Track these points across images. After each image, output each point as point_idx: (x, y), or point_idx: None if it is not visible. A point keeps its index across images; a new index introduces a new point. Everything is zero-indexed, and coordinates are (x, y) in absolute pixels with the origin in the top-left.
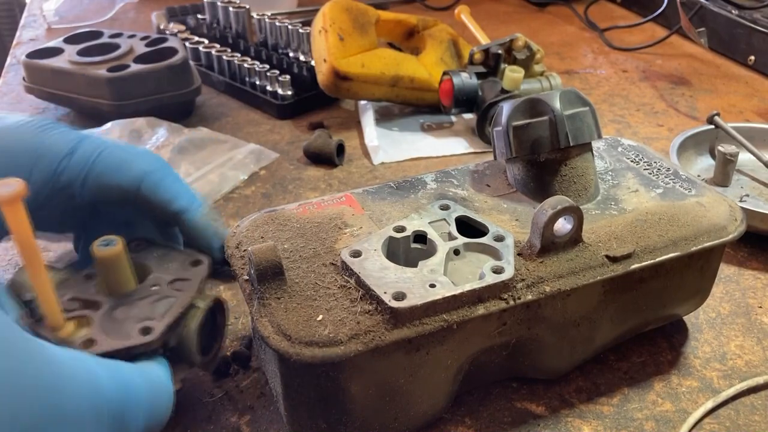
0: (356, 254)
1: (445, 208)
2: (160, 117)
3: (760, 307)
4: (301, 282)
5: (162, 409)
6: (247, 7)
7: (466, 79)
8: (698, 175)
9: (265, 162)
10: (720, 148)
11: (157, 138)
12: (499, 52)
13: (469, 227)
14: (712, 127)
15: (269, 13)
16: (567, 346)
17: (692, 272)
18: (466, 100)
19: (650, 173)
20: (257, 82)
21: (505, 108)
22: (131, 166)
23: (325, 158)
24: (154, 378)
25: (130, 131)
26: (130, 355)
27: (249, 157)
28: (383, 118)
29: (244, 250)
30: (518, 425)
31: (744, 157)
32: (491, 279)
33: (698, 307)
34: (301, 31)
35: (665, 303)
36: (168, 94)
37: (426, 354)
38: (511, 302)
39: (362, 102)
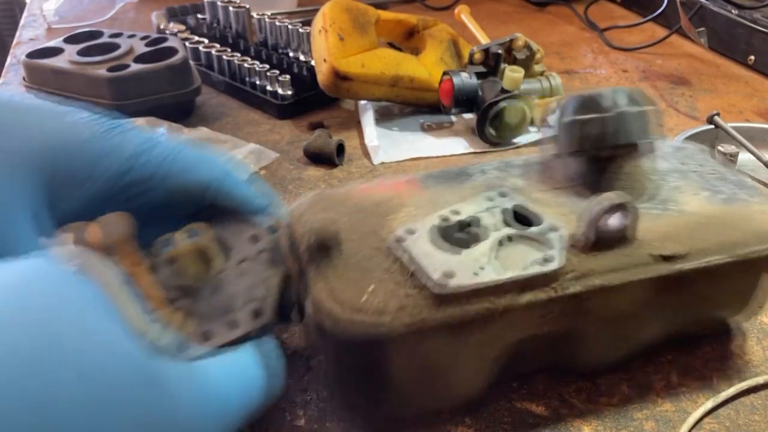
0: (409, 233)
1: (501, 195)
2: (160, 117)
3: (760, 307)
4: (356, 255)
5: (246, 400)
6: (247, 6)
7: (466, 79)
8: None
9: (265, 162)
10: (720, 148)
11: None
12: (499, 52)
13: (523, 217)
14: (712, 127)
15: (269, 13)
16: (610, 341)
17: (742, 277)
18: (466, 100)
19: (715, 178)
20: (257, 82)
21: (569, 102)
22: (210, 167)
23: (325, 158)
24: (237, 373)
25: None
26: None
27: (249, 157)
28: (383, 118)
29: (305, 221)
30: (518, 425)
31: (744, 157)
32: (538, 268)
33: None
34: (301, 30)
35: (711, 307)
36: (168, 94)
37: (468, 337)
38: (557, 293)
39: (362, 102)
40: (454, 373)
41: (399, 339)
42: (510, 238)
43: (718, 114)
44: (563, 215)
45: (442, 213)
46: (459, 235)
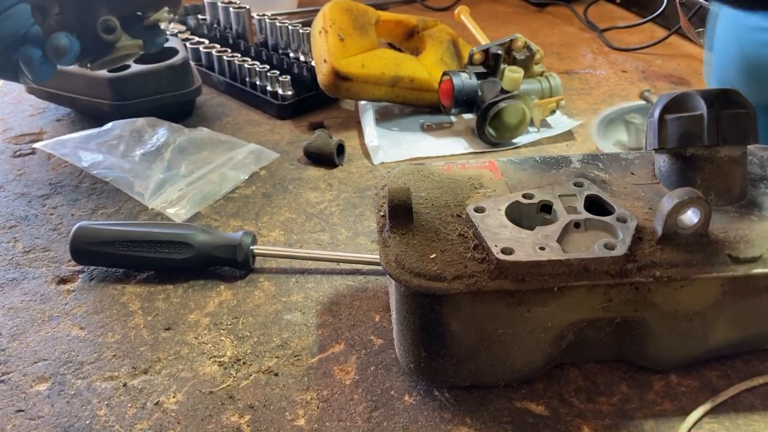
0: (480, 210)
1: (579, 185)
2: (161, 117)
3: None
4: (427, 225)
5: None
6: (248, 7)
7: (465, 79)
8: (614, 144)
9: (265, 162)
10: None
11: (157, 138)
12: (499, 52)
13: (598, 207)
14: (643, 102)
15: (269, 14)
16: (677, 338)
17: None
18: (466, 101)
19: None
20: (257, 83)
21: (660, 100)
22: None
23: (325, 158)
24: None
25: (131, 131)
26: None
27: (249, 157)
28: (383, 118)
29: (387, 189)
30: (518, 425)
31: None
32: (600, 253)
33: None
34: (301, 31)
35: None
36: (168, 95)
37: (527, 311)
38: (617, 279)
39: (362, 102)
40: (511, 345)
41: (455, 304)
42: (579, 224)
43: (649, 90)
44: (640, 209)
45: (515, 195)
46: (531, 218)
